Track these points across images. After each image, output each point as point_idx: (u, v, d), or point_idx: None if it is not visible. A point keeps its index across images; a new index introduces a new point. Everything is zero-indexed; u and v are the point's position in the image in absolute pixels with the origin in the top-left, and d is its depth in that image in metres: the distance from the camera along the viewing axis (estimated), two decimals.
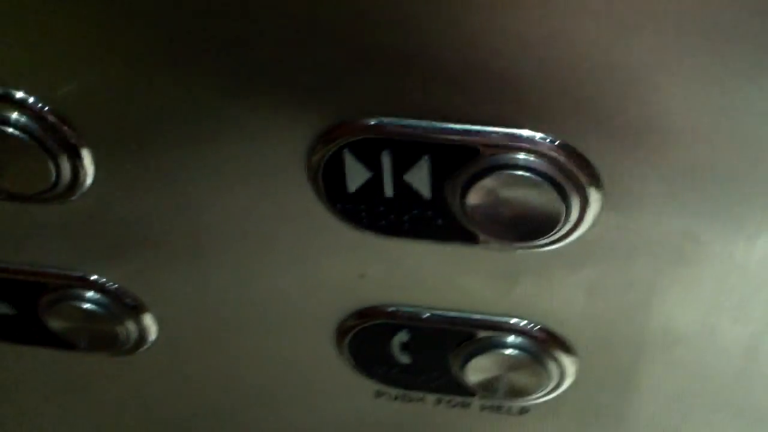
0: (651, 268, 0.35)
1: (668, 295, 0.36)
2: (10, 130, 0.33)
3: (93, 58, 0.31)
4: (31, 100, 0.32)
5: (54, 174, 0.34)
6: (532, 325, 0.38)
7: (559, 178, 0.31)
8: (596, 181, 0.32)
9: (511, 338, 0.39)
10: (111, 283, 0.40)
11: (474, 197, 0.32)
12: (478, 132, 0.31)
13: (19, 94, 0.32)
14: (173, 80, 0.31)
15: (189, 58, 0.30)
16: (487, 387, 0.40)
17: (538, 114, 0.30)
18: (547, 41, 0.28)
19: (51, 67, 0.31)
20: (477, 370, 0.39)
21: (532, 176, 0.31)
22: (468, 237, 0.34)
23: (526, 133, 0.31)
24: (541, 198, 0.32)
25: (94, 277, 0.40)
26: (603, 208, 0.33)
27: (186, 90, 0.31)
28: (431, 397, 0.43)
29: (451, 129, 0.31)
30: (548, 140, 0.31)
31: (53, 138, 0.33)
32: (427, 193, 0.33)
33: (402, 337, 0.39)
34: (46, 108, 0.32)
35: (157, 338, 0.42)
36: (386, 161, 0.32)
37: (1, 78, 0.32)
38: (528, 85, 0.30)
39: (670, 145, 0.31)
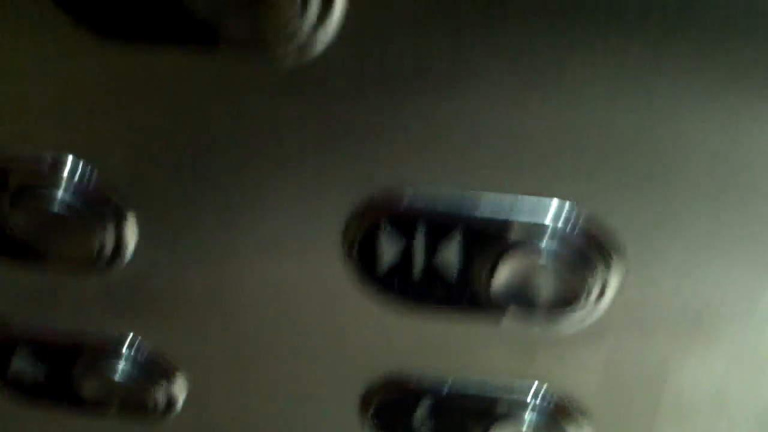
0: (665, 345, 0.36)
1: (684, 366, 0.37)
2: (55, 200, 0.34)
3: (140, 128, 0.32)
4: (74, 167, 0.34)
5: (97, 245, 0.35)
6: (550, 394, 0.39)
7: (583, 254, 0.33)
8: (618, 256, 0.33)
9: (529, 407, 0.40)
10: (144, 349, 0.41)
11: (502, 271, 0.33)
12: (506, 211, 0.33)
13: (63, 162, 0.34)
14: (217, 153, 0.33)
15: (231, 133, 0.32)
16: None
17: (567, 185, 0.32)
18: (574, 114, 0.30)
19: (96, 131, 0.33)
20: None
21: (558, 252, 0.33)
22: (494, 311, 0.35)
23: (553, 208, 0.32)
24: (566, 273, 0.33)
25: (127, 343, 0.41)
26: (625, 281, 0.34)
27: (228, 162, 0.33)
28: None
29: (482, 207, 0.33)
30: (574, 215, 0.32)
31: (98, 208, 0.34)
32: (457, 268, 0.34)
33: (425, 407, 0.40)
34: (91, 175, 0.34)
35: (185, 405, 0.43)
36: (419, 237, 0.33)
37: (40, 145, 0.33)
38: (556, 156, 0.31)
39: (695, 216, 0.32)
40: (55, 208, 0.34)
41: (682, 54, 0.28)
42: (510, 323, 0.36)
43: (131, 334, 0.40)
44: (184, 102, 0.31)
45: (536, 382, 0.39)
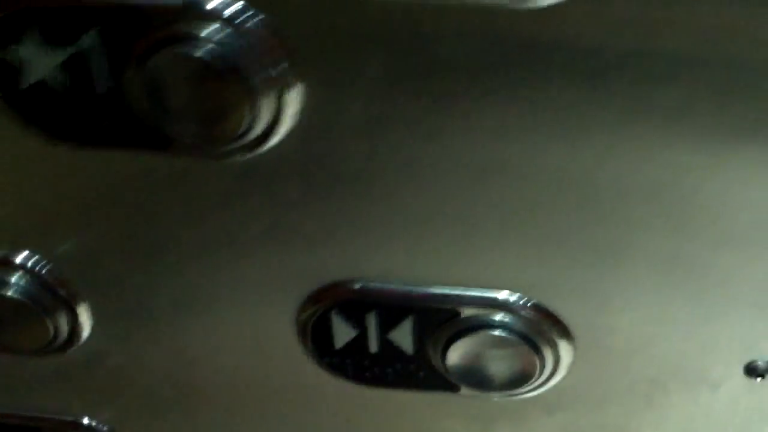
0: (621, 414, 0.37)
1: None
2: (9, 292, 0.34)
3: (95, 223, 0.33)
4: (29, 261, 0.34)
5: (52, 331, 0.35)
6: None
7: (534, 335, 0.33)
8: (568, 336, 0.34)
9: None
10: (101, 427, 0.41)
11: (454, 354, 0.34)
12: (457, 295, 0.33)
13: (17, 256, 0.34)
14: (171, 245, 0.33)
15: (184, 226, 0.32)
16: None
17: (514, 276, 0.33)
18: (518, 206, 0.31)
19: (51, 227, 0.33)
20: None
21: (508, 335, 0.33)
22: (449, 387, 0.36)
23: (501, 295, 0.33)
24: (517, 354, 0.34)
25: (84, 422, 0.41)
26: (575, 359, 0.35)
27: (182, 253, 0.33)
28: None
29: (433, 294, 0.33)
30: (522, 301, 0.33)
31: (51, 297, 0.34)
32: (410, 349, 0.35)
33: None
34: (45, 267, 0.34)
35: None
36: (371, 321, 0.34)
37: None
38: (503, 250, 0.32)
39: (641, 295, 0.33)
40: (10, 300, 0.34)
41: (622, 156, 0.29)
42: (467, 396, 0.36)
43: (85, 418, 0.40)
44: (136, 198, 0.31)
45: None
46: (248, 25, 0.27)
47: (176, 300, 0.34)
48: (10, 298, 0.34)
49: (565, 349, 0.34)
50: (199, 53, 0.26)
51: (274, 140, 0.29)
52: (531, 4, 0.26)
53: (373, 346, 0.35)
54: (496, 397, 0.36)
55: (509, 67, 0.27)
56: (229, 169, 0.30)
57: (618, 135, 0.29)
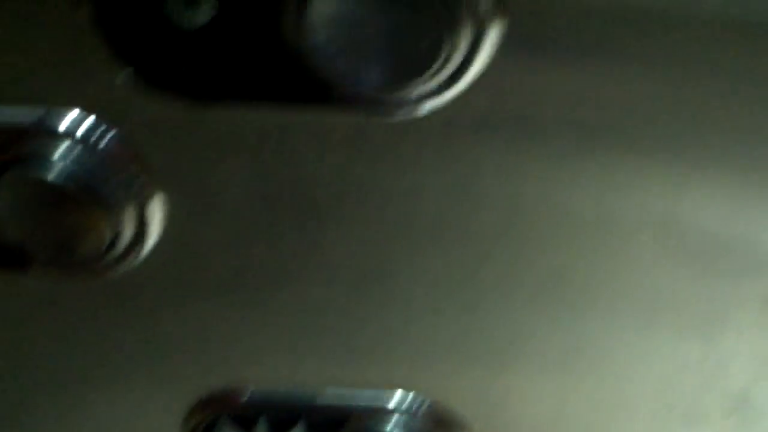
0: None
1: None
2: None
3: None
4: None
5: None
6: None
7: None
8: None
9: None
10: None
11: None
12: (349, 398, 0.32)
13: None
14: (44, 364, 0.32)
15: (57, 346, 0.31)
16: None
17: (406, 375, 0.32)
18: (403, 307, 0.30)
19: None
20: None
21: None
22: None
23: (395, 395, 0.32)
24: None
25: None
26: None
27: (56, 370, 0.32)
28: None
29: (323, 398, 0.32)
30: (417, 401, 0.32)
31: None
32: None
33: None
34: None
35: None
36: (261, 429, 0.33)
37: None
38: (391, 352, 0.31)
39: (539, 390, 0.32)
40: None
41: (503, 259, 0.29)
42: None
43: None
44: (2, 318, 0.30)
45: None
46: (102, 142, 0.26)
47: (56, 418, 0.33)
48: None
49: None
50: (51, 176, 0.25)
51: (142, 254, 0.28)
52: (398, 117, 0.26)
53: None
54: None
55: (380, 176, 0.27)
56: (98, 285, 0.29)
57: (496, 239, 0.28)
